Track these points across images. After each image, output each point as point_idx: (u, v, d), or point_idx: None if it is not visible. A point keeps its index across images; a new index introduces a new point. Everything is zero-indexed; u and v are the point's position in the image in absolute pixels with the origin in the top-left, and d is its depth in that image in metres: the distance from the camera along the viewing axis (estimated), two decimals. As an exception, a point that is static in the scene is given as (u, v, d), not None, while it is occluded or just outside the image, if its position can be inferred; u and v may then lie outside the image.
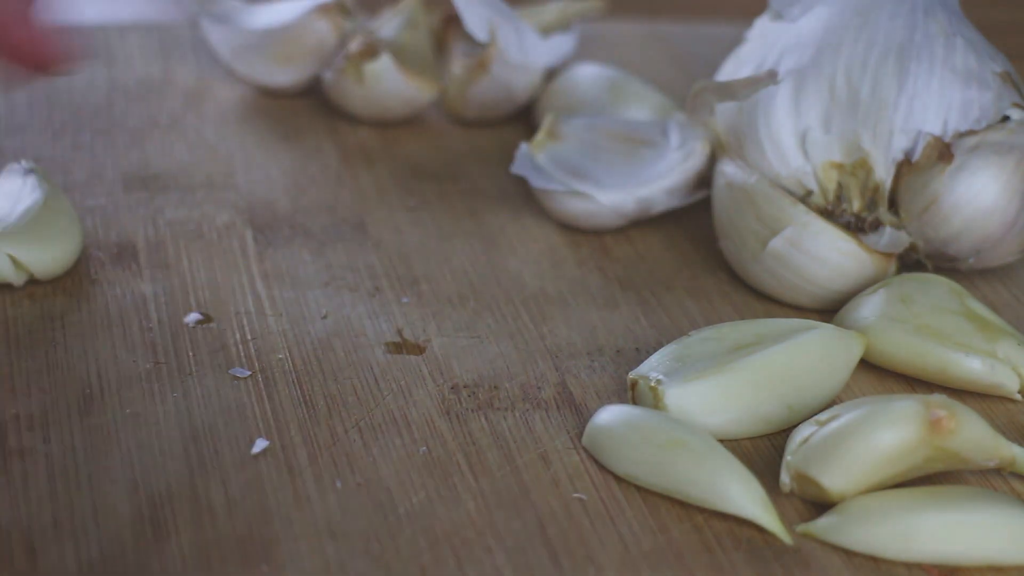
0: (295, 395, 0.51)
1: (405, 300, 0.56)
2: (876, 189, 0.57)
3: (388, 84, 0.64)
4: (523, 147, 0.61)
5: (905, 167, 0.56)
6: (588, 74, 0.67)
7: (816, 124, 0.57)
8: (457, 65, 0.67)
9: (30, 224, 0.55)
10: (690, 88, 0.60)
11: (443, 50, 0.68)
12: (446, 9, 0.68)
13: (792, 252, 0.55)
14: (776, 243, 0.55)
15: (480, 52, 0.65)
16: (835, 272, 0.55)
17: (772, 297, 0.57)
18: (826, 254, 0.55)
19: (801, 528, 0.46)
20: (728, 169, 0.57)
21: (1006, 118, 0.56)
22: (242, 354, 0.52)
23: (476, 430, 0.50)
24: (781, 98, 0.57)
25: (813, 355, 0.51)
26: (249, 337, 0.53)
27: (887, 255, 0.55)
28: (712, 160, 0.60)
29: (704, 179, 0.60)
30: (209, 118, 0.67)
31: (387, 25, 0.67)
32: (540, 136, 0.61)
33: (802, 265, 0.55)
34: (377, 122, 0.67)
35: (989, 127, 0.56)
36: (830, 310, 0.55)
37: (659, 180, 0.59)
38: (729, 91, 0.57)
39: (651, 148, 0.61)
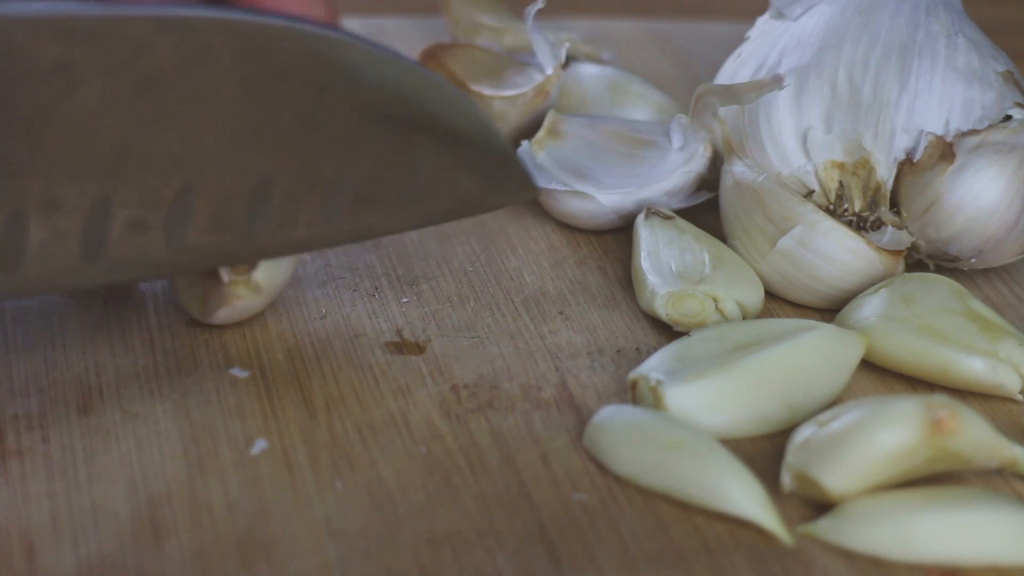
0: (295, 395, 0.51)
1: (405, 300, 0.56)
2: (877, 189, 0.57)
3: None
4: (524, 145, 0.61)
5: (907, 167, 0.56)
6: (588, 74, 0.67)
7: (817, 123, 0.57)
8: (502, 98, 0.64)
9: (726, 270, 0.55)
10: (691, 88, 0.60)
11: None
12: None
13: (801, 251, 0.55)
14: (785, 242, 0.55)
15: (537, 80, 0.64)
16: (844, 271, 0.55)
17: (780, 296, 0.57)
18: (835, 253, 0.55)
19: (802, 529, 0.46)
20: (736, 168, 0.57)
21: (1008, 118, 0.56)
22: (242, 354, 0.52)
23: (476, 430, 0.50)
24: (782, 97, 0.57)
25: (814, 355, 0.50)
26: (249, 337, 0.53)
27: (895, 253, 0.55)
28: (714, 163, 0.60)
29: (705, 182, 0.60)
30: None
31: None
32: (541, 134, 0.61)
33: (811, 264, 0.55)
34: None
35: (991, 127, 0.56)
36: (838, 309, 0.55)
37: (660, 182, 0.59)
38: (733, 95, 0.57)
39: (653, 149, 0.61)
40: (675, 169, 0.60)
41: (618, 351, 0.54)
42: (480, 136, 0.49)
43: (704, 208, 0.60)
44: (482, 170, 0.49)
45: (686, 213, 0.60)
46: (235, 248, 0.48)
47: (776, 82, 0.56)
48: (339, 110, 0.47)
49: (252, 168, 0.46)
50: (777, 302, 0.57)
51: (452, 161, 0.49)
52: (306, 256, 0.58)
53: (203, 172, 0.46)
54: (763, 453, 0.49)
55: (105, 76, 0.44)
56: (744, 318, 0.54)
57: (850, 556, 0.45)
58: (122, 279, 0.48)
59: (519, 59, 0.67)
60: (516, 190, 0.51)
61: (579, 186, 0.59)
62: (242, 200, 0.47)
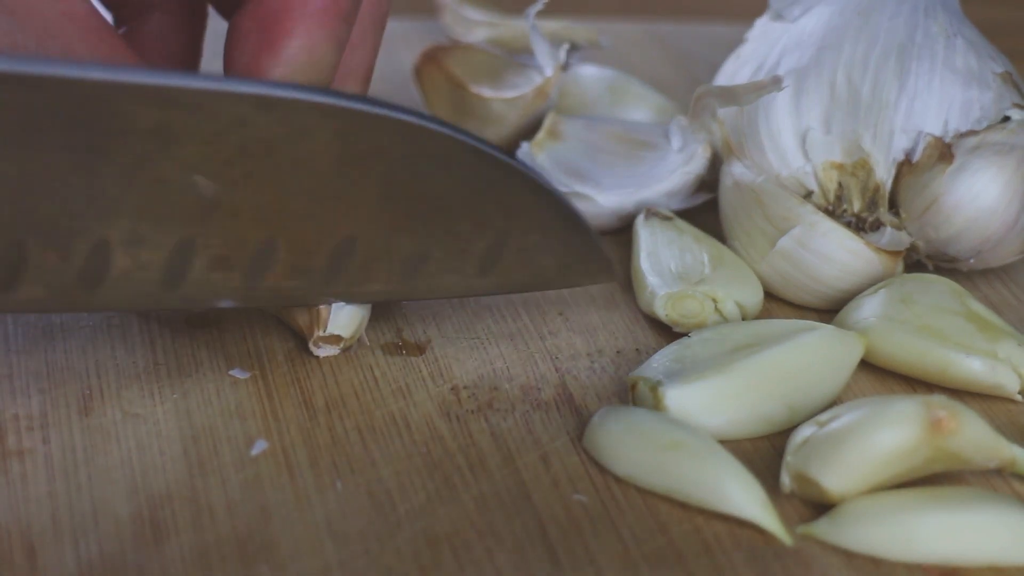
0: (295, 396, 0.51)
1: (405, 301, 0.56)
2: (876, 189, 0.57)
3: None
4: (524, 146, 0.61)
5: (906, 167, 0.56)
6: (588, 75, 0.67)
7: (816, 124, 0.57)
8: (502, 99, 0.64)
9: (726, 271, 0.55)
10: (690, 89, 0.60)
11: (428, 88, 0.66)
12: (425, 47, 0.68)
13: (800, 251, 0.55)
14: (784, 243, 0.55)
15: (538, 81, 0.64)
16: (843, 271, 0.55)
17: (780, 296, 0.57)
18: (834, 253, 0.55)
19: (801, 529, 0.46)
20: (736, 169, 0.57)
21: (1007, 118, 0.56)
22: (242, 355, 0.52)
23: (476, 431, 0.50)
24: (781, 98, 0.57)
25: (813, 356, 0.50)
26: (249, 338, 0.53)
27: (894, 253, 0.55)
28: (713, 164, 0.60)
29: (705, 183, 0.60)
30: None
31: None
32: (541, 135, 0.61)
33: (810, 264, 0.55)
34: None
35: (990, 127, 0.56)
36: (838, 310, 0.55)
37: (659, 183, 0.59)
38: (733, 96, 0.57)
39: (652, 151, 0.61)
40: (674, 170, 0.60)
41: (618, 352, 0.54)
42: (565, 223, 0.52)
43: (703, 209, 0.60)
44: (562, 254, 0.52)
45: (685, 214, 0.60)
46: (310, 293, 0.51)
47: (775, 84, 0.56)
48: (426, 193, 0.49)
49: (336, 230, 0.49)
50: (776, 302, 0.57)
51: (532, 244, 0.51)
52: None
53: (288, 228, 0.49)
54: (763, 453, 0.49)
55: (200, 142, 0.46)
56: (744, 319, 0.55)
57: (849, 556, 0.46)
58: (195, 307, 0.51)
59: (518, 60, 0.67)
60: (594, 274, 0.53)
61: (579, 187, 0.59)
62: (323, 255, 0.50)
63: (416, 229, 0.50)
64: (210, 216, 0.47)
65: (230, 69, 0.50)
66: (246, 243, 0.48)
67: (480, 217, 0.50)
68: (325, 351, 0.52)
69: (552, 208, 0.51)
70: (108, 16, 0.56)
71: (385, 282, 0.51)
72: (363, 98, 0.48)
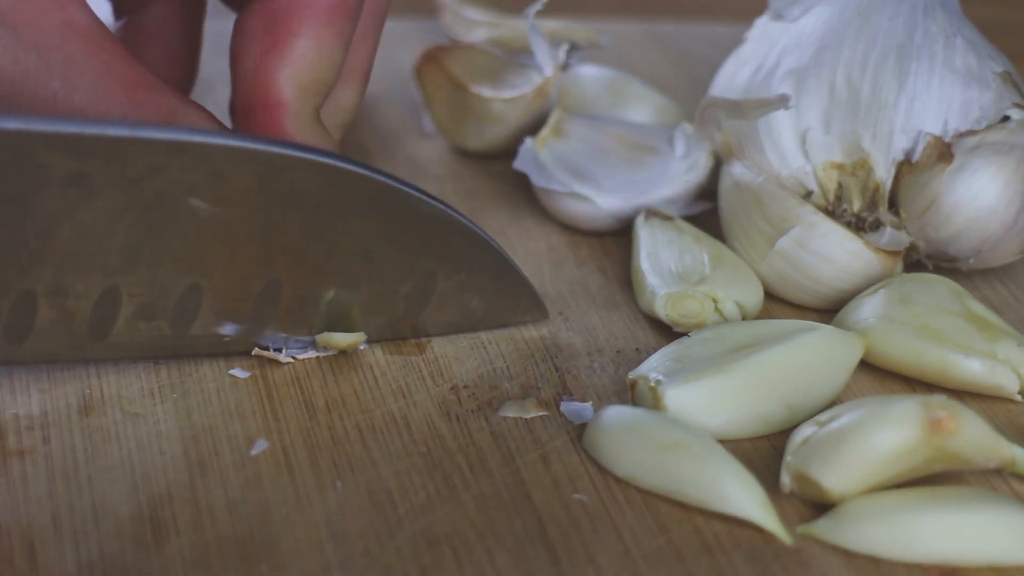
0: (295, 395, 0.51)
1: (405, 300, 0.56)
2: (876, 189, 0.57)
3: None
4: (528, 142, 0.61)
5: (905, 167, 0.56)
6: (587, 75, 0.67)
7: (816, 124, 0.57)
8: (501, 99, 0.64)
9: (726, 271, 0.56)
10: (690, 89, 0.60)
11: (428, 88, 0.66)
12: (425, 47, 0.68)
13: (799, 252, 0.55)
14: (783, 243, 0.55)
15: (538, 81, 0.64)
16: (842, 271, 0.55)
17: (779, 297, 0.57)
18: (833, 254, 0.55)
19: (801, 529, 0.46)
20: (736, 169, 0.57)
21: (1006, 118, 0.56)
22: (242, 354, 0.52)
23: (476, 431, 0.50)
24: (781, 99, 0.57)
25: (813, 356, 0.50)
26: (249, 337, 0.53)
27: (894, 254, 0.55)
28: (715, 173, 0.60)
29: (705, 192, 0.60)
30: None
31: None
32: (545, 132, 0.61)
33: (809, 265, 0.55)
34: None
35: (989, 127, 0.56)
36: (837, 310, 0.55)
37: (660, 189, 0.59)
38: (739, 110, 0.57)
39: (655, 155, 0.61)
40: (676, 177, 0.60)
41: (618, 351, 0.54)
42: (491, 263, 0.52)
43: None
44: (489, 294, 0.53)
45: (685, 216, 0.60)
46: (240, 339, 0.51)
47: (782, 101, 0.56)
48: (348, 235, 0.49)
49: (260, 273, 0.49)
50: (776, 303, 0.57)
51: (458, 284, 0.52)
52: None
53: (211, 274, 0.49)
54: (762, 453, 0.49)
55: (118, 189, 0.46)
56: (743, 319, 0.55)
57: (849, 556, 0.46)
58: (125, 357, 0.51)
59: (518, 60, 0.67)
60: (523, 312, 0.54)
61: (578, 188, 0.59)
62: (249, 300, 0.50)
63: (340, 272, 0.50)
64: (132, 264, 0.47)
65: (236, 68, 0.50)
66: (170, 290, 0.49)
67: (404, 259, 0.51)
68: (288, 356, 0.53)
69: (477, 248, 0.51)
70: (107, 7, 0.56)
71: (314, 327, 0.51)
72: (279, 141, 0.48)
